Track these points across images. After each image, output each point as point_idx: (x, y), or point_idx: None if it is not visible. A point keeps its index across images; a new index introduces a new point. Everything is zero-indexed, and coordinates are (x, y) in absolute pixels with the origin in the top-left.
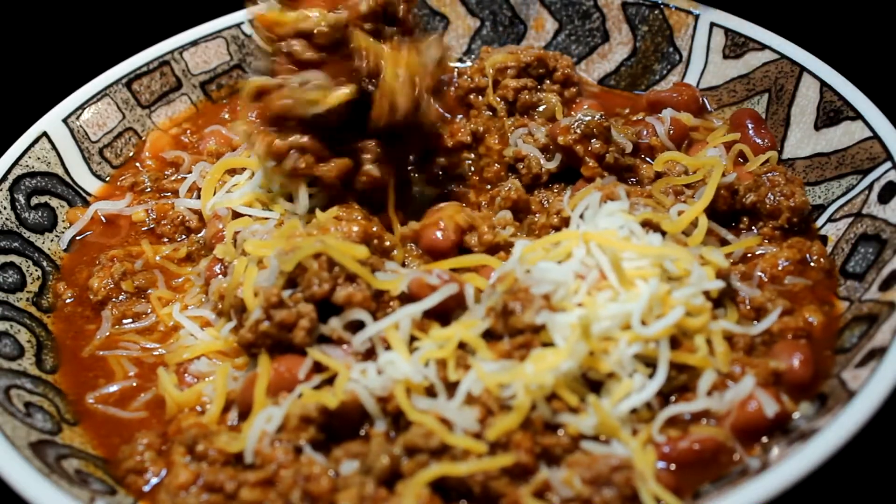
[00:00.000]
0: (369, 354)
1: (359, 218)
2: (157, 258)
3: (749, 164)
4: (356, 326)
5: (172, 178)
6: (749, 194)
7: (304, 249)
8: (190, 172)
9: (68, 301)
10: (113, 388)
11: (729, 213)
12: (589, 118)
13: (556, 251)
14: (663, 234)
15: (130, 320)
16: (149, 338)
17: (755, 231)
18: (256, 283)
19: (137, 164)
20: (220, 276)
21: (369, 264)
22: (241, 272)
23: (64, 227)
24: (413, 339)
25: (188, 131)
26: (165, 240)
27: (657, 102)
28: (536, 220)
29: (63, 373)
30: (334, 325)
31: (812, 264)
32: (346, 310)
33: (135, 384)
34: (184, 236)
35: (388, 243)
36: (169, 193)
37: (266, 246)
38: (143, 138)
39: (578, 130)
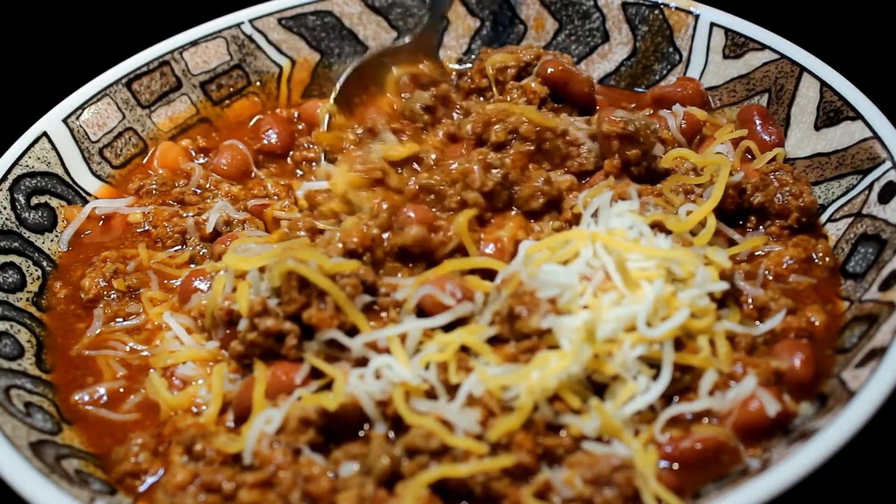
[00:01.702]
0: (364, 361)
1: (368, 228)
2: (152, 262)
3: (756, 161)
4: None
5: (181, 187)
6: (757, 194)
7: (277, 266)
8: (199, 187)
9: (62, 297)
10: (101, 390)
11: (737, 211)
12: (642, 123)
13: (562, 252)
14: (672, 233)
15: (121, 319)
16: (136, 338)
17: (762, 230)
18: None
19: (150, 172)
20: (201, 292)
21: (357, 276)
22: (220, 290)
23: (64, 228)
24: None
25: (195, 148)
26: (159, 244)
27: (661, 98)
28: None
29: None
30: (316, 348)
31: (817, 262)
32: (317, 330)
33: (122, 389)
34: (181, 246)
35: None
36: (174, 202)
37: (245, 261)
38: (144, 139)
39: (630, 128)
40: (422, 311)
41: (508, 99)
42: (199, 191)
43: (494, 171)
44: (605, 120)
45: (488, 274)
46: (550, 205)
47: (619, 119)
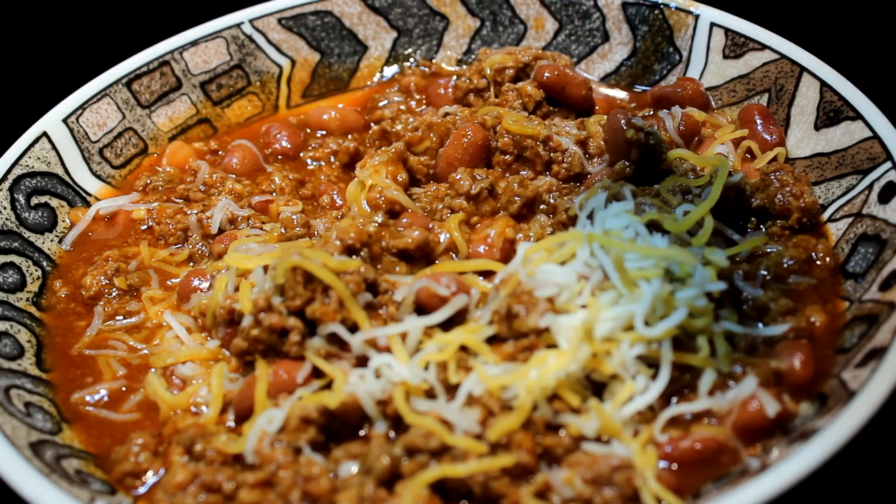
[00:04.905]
0: (364, 361)
1: (364, 226)
2: (153, 260)
3: (757, 160)
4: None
5: (187, 184)
6: (757, 195)
7: (283, 262)
8: (205, 184)
9: (62, 296)
10: (102, 390)
11: (737, 211)
12: (659, 138)
13: (560, 252)
14: (669, 233)
15: (122, 318)
16: (136, 336)
17: (763, 230)
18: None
19: (158, 169)
20: (200, 291)
21: (359, 274)
22: (222, 289)
23: (64, 227)
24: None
25: (207, 150)
26: (161, 241)
27: (661, 98)
28: (542, 220)
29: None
30: (317, 344)
31: (818, 262)
32: (320, 324)
33: (124, 388)
34: (182, 244)
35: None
36: (178, 199)
37: (248, 260)
38: (144, 139)
39: (651, 141)
40: (419, 310)
41: (505, 101)
42: (204, 188)
43: (479, 177)
44: (628, 125)
45: (483, 275)
46: (529, 207)
47: (643, 127)
